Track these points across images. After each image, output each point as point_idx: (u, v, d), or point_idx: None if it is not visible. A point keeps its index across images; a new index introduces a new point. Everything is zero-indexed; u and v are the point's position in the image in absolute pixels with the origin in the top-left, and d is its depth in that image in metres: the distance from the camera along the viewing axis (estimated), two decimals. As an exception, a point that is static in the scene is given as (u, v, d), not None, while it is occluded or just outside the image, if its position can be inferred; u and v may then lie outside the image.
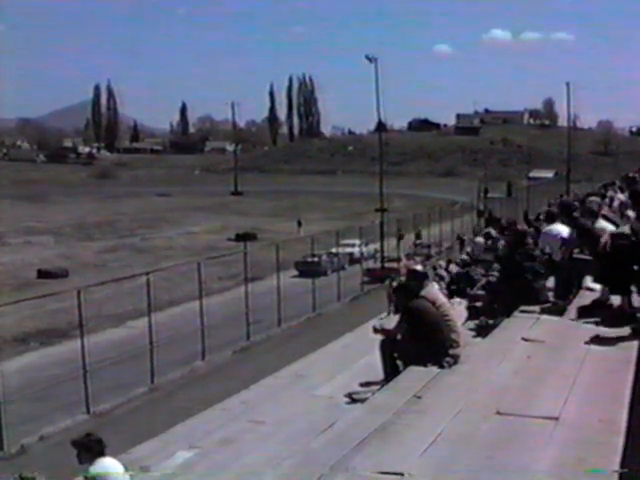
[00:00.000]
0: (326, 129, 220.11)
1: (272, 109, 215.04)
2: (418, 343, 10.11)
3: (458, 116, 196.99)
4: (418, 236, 65.88)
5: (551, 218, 13.83)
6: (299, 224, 74.16)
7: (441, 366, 9.82)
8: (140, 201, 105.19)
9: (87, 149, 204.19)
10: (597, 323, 9.69)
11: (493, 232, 23.51)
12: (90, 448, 8.98)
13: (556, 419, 6.55)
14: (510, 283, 12.75)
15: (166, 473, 9.32)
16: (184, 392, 27.12)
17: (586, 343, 8.76)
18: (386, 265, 51.54)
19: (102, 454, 8.94)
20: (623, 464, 5.26)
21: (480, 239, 23.84)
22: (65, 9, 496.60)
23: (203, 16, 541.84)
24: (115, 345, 31.70)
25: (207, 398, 16.85)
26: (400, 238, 61.81)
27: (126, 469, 9.01)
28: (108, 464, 8.89)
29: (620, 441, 5.73)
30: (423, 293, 10.74)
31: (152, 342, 29.46)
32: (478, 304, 14.48)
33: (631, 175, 24.54)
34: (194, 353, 31.80)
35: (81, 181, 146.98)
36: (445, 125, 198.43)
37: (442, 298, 11.20)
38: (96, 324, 33.60)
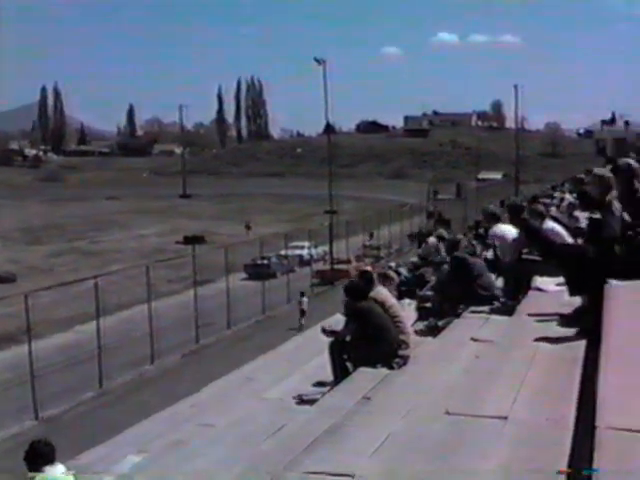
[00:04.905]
0: (275, 131, 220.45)
1: (220, 111, 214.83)
2: (367, 344, 10.12)
3: (406, 118, 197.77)
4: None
5: (493, 219, 13.87)
6: (247, 227, 74.11)
7: (391, 367, 9.86)
8: (88, 204, 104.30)
9: (34, 152, 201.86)
10: (546, 323, 9.74)
11: (445, 233, 23.52)
12: (40, 455, 8.84)
13: (505, 418, 6.58)
14: (457, 282, 12.81)
15: (116, 477, 9.22)
16: (133, 396, 27.03)
17: (535, 342, 8.81)
18: (335, 267, 51.78)
19: (52, 461, 8.80)
20: (571, 462, 5.30)
21: (432, 239, 23.81)
22: (13, 9, 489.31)
23: (151, 18, 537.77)
24: (63, 350, 31.49)
25: (156, 402, 16.74)
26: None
27: (75, 477, 8.88)
28: (56, 471, 8.75)
29: (568, 439, 5.77)
30: (372, 294, 10.76)
31: (100, 346, 29.33)
32: (428, 305, 14.51)
33: (579, 176, 24.79)
34: (143, 357, 31.69)
35: (28, 184, 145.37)
36: (394, 127, 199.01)
37: (392, 299, 11.22)
38: (44, 329, 33.35)
